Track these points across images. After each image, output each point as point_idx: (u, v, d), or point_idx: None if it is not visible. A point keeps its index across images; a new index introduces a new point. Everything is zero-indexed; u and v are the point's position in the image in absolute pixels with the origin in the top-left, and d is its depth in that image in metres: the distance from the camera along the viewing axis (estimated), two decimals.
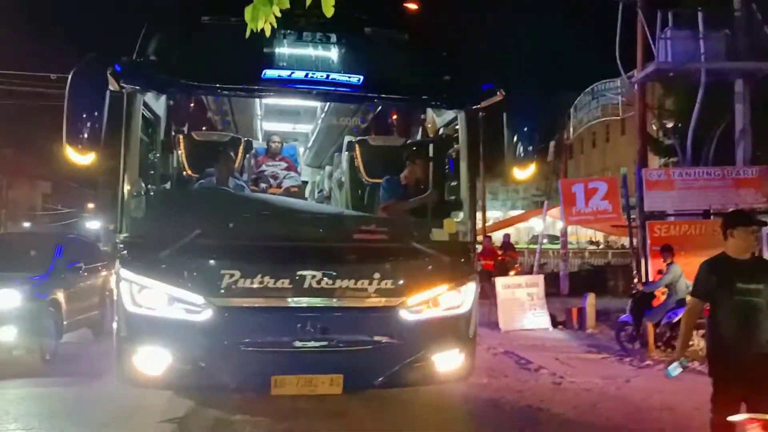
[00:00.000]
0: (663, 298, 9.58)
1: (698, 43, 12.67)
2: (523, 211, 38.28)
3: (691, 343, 9.00)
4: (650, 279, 10.74)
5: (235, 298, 4.60)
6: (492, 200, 46.04)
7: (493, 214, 42.64)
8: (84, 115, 4.39)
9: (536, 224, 30.00)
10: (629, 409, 6.27)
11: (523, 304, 11.73)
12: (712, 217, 11.35)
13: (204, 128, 7.55)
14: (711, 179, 11.51)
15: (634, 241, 12.11)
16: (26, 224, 51.13)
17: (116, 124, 4.83)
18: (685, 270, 8.84)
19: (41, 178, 51.44)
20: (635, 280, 11.07)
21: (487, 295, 11.71)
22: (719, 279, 4.00)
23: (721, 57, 12.63)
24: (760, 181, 11.29)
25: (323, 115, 8.52)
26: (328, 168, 8.97)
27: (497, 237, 20.38)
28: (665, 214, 12.01)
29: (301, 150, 10.05)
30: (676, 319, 9.09)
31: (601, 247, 30.40)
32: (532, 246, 22.73)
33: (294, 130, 9.79)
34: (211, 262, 4.65)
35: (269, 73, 4.77)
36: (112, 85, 4.57)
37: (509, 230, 36.03)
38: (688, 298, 4.38)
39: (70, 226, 39.69)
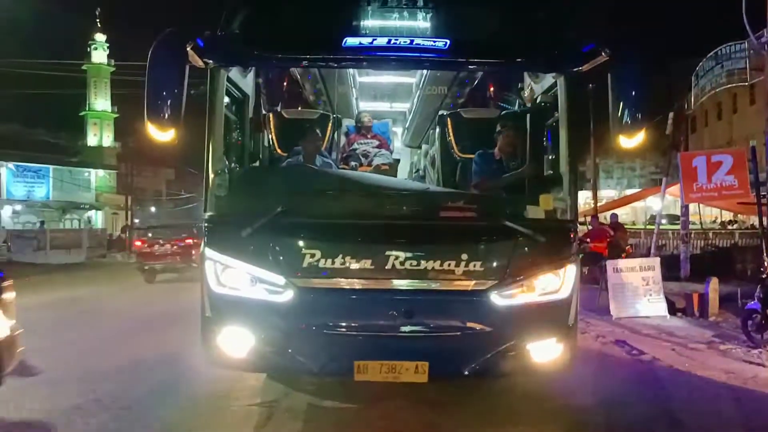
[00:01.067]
0: None
1: None
2: (639, 190, 36.09)
3: None
4: None
5: (316, 278, 4.43)
6: (606, 178, 43.98)
7: (607, 193, 40.73)
8: (164, 92, 4.32)
9: (654, 203, 28.19)
10: (754, 408, 5.58)
11: (638, 289, 10.87)
12: None
13: (299, 107, 7.50)
14: None
15: (765, 220, 10.91)
16: (152, 209, 55.00)
17: (199, 100, 4.79)
18: None
19: (165, 165, 55.05)
20: (765, 264, 9.99)
21: (597, 279, 10.97)
22: None
23: None
24: None
25: (418, 92, 8.26)
26: (424, 147, 8.71)
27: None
28: None
29: (399, 130, 9.86)
30: None
31: (734, 226, 28.08)
32: (649, 226, 21.30)
33: (391, 109, 9.61)
34: (293, 241, 4.49)
35: (350, 41, 4.51)
36: (195, 61, 4.50)
37: (625, 209, 34.33)
38: None
39: (190, 210, 42.02)
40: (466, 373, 4.51)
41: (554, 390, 5.60)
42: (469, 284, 4.44)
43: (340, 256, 4.39)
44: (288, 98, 7.42)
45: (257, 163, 6.11)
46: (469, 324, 4.46)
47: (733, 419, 5.30)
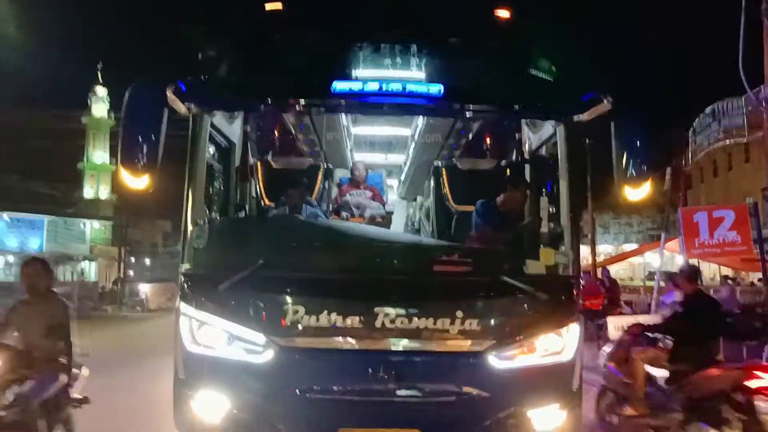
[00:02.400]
0: None
1: None
2: (636, 246, 35.89)
3: None
4: None
5: (299, 337, 4.09)
6: (603, 233, 43.83)
7: (604, 249, 40.50)
8: (140, 138, 4.09)
9: (652, 259, 27.95)
10: None
11: None
12: None
13: (289, 156, 7.29)
14: None
15: None
16: (147, 261, 54.56)
17: (176, 147, 4.56)
18: None
19: (161, 217, 54.92)
20: None
21: (592, 337, 10.56)
22: None
23: None
24: None
25: (413, 142, 8.09)
26: (419, 199, 8.49)
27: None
28: None
29: (395, 182, 9.67)
30: None
31: (732, 283, 27.68)
32: (648, 283, 20.98)
33: (386, 161, 9.44)
34: (275, 296, 4.17)
35: (340, 86, 4.32)
36: (176, 106, 4.28)
37: (622, 265, 34.05)
38: None
39: None
40: None
41: None
42: (465, 345, 4.10)
43: (326, 312, 4.06)
44: (278, 146, 7.22)
45: (241, 214, 5.84)
46: (464, 388, 4.10)
47: None
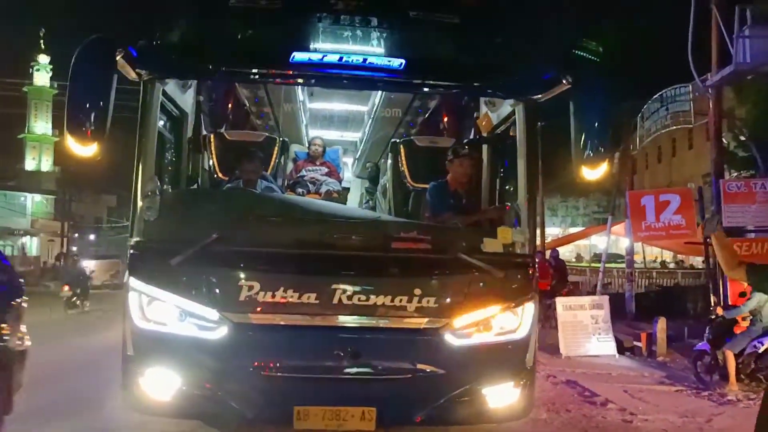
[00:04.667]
0: (745, 324, 8.52)
1: None
2: (583, 228, 36.72)
3: None
4: (729, 302, 9.70)
5: (253, 313, 3.99)
6: (551, 216, 44.68)
7: (552, 231, 41.29)
8: (87, 104, 3.88)
9: (598, 241, 28.65)
10: None
11: (587, 328, 10.73)
12: None
13: (243, 129, 7.10)
14: None
15: (710, 260, 11.01)
16: (91, 236, 52.94)
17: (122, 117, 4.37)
18: None
19: (106, 191, 53.30)
20: (713, 304, 10.02)
21: (541, 317, 10.79)
22: None
23: None
24: None
25: (370, 119, 7.99)
26: (376, 178, 8.42)
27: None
28: (744, 231, 10.89)
29: (350, 160, 9.57)
30: (762, 349, 8.06)
31: (671, 266, 28.73)
32: (594, 265, 21.53)
33: (342, 138, 9.33)
34: (229, 271, 4.06)
35: (299, 56, 4.18)
36: (126, 72, 4.08)
37: (569, 247, 34.81)
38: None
39: None
40: (418, 420, 4.12)
41: None
42: (422, 322, 4.08)
43: (281, 288, 3.97)
44: (232, 119, 7.02)
45: (194, 187, 5.66)
46: (420, 366, 4.08)
47: None
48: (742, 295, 8.73)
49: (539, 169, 5.16)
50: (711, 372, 8.50)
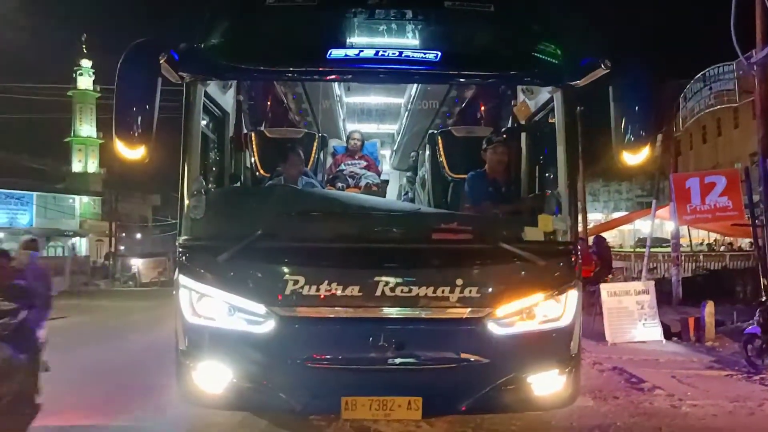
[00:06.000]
0: None
1: None
2: (626, 213, 36.04)
3: None
4: None
5: (299, 307, 4.08)
6: (593, 201, 44.02)
7: (594, 216, 40.69)
8: (134, 108, 4.01)
9: (642, 226, 28.08)
10: None
11: (632, 314, 10.57)
12: None
13: (283, 126, 7.22)
14: None
15: (760, 242, 10.72)
16: (138, 235, 54.31)
17: (172, 116, 4.50)
18: None
19: (151, 191, 54.53)
20: (763, 287, 9.76)
21: (585, 304, 10.64)
22: None
23: None
24: None
25: (407, 111, 8.03)
26: (415, 170, 8.46)
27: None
28: None
29: (388, 153, 9.62)
30: None
31: (721, 249, 28.00)
32: (639, 250, 21.11)
33: (379, 130, 9.40)
34: (274, 266, 4.15)
35: (335, 52, 4.25)
36: (169, 74, 4.20)
37: (613, 233, 34.22)
38: None
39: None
40: (463, 408, 4.17)
41: (555, 423, 5.27)
42: (465, 312, 4.11)
43: (326, 282, 4.06)
44: (271, 117, 7.14)
45: (237, 185, 5.79)
46: (464, 355, 4.12)
47: None
48: None
49: (579, 155, 5.10)
50: (762, 356, 8.31)
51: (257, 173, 6.15)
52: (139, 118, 3.99)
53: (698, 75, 20.17)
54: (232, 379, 4.14)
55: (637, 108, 4.15)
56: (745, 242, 21.58)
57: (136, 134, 3.97)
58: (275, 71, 4.68)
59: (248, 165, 6.24)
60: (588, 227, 22.35)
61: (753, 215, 10.70)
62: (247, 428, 5.18)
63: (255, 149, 6.20)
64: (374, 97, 8.78)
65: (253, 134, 6.28)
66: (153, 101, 4.03)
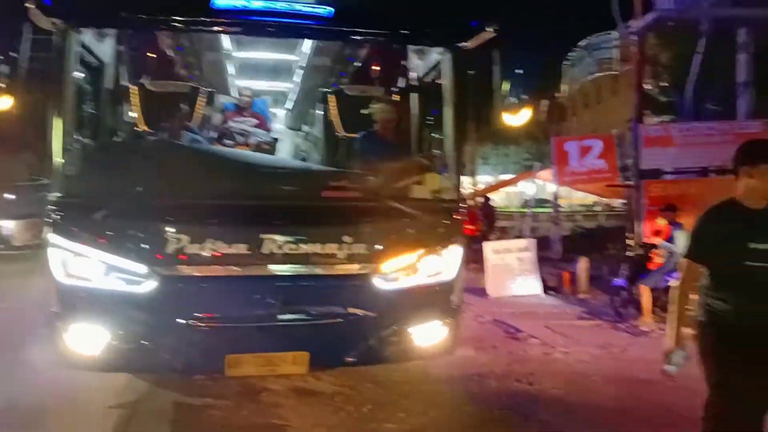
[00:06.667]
0: (658, 261, 9.08)
1: None
2: (513, 175, 37.62)
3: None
4: (644, 240, 10.27)
5: (182, 265, 4.00)
6: (483, 164, 45.49)
7: (484, 178, 42.12)
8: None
9: (527, 188, 29.44)
10: (626, 382, 5.76)
11: (513, 270, 11.19)
12: (711, 175, 10.87)
13: (167, 80, 6.89)
14: (711, 134, 10.95)
15: (630, 201, 11.61)
16: (11, 196, 50.40)
17: (44, 66, 4.20)
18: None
19: (24, 149, 50.53)
20: (630, 243, 10.61)
21: (470, 261, 11.12)
22: (726, 235, 2.96)
23: (726, 3, 11.98)
24: (764, 136, 10.71)
25: (300, 69, 7.89)
26: (306, 128, 8.38)
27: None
28: (661, 173, 11.48)
29: (282, 112, 9.44)
30: (671, 282, 8.64)
31: (597, 208, 29.92)
32: (523, 210, 22.21)
33: (271, 88, 9.17)
34: (156, 224, 4.02)
35: (220, 2, 4.10)
36: (39, 21, 3.90)
37: (500, 194, 35.64)
38: (683, 262, 3.16)
39: None
40: (348, 360, 4.29)
41: (438, 372, 5.54)
42: (352, 268, 4.20)
43: (211, 240, 3.99)
44: (155, 69, 6.79)
45: (115, 139, 5.52)
46: (351, 310, 4.22)
47: (607, 392, 5.45)
48: (658, 233, 9.27)
49: (467, 116, 5.25)
50: (627, 306, 9.06)
51: (138, 128, 5.87)
52: (5, 67, 3.70)
53: (581, 43, 21.26)
54: (111, 340, 4.01)
55: (516, 72, 4.34)
56: (617, 203, 23.17)
57: (3, 84, 3.68)
58: (155, 20, 4.45)
59: (129, 120, 5.95)
60: (477, 188, 23.18)
61: (626, 177, 11.56)
62: (130, 390, 5.04)
63: (136, 103, 5.90)
64: (266, 53, 8.53)
65: (134, 87, 5.96)
66: (21, 49, 3.75)
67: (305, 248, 4.08)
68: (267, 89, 8.90)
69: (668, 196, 10.39)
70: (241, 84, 8.11)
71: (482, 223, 14.97)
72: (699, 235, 3.09)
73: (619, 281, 9.33)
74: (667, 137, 11.12)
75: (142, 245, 3.99)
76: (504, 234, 18.23)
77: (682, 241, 8.54)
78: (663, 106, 18.00)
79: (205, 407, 4.79)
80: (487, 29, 4.40)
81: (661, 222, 9.05)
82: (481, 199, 17.10)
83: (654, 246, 9.06)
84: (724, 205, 3.07)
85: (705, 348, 3.05)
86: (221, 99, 7.25)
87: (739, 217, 2.99)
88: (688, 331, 3.07)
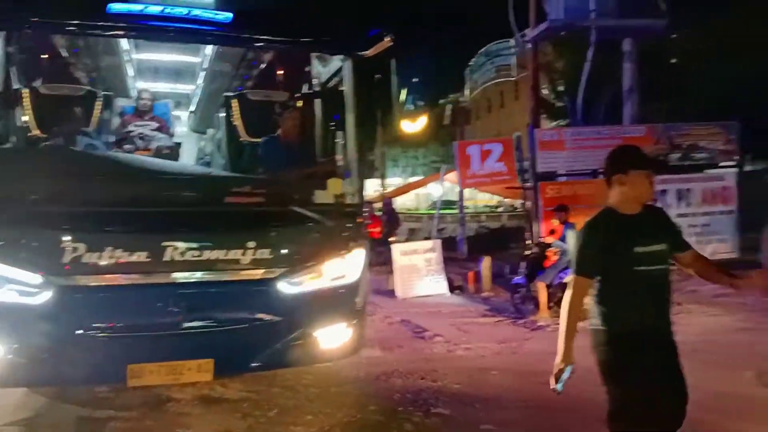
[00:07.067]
0: (555, 259, 9.61)
1: (588, 1, 12.78)
2: (422, 177, 38.42)
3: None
4: (542, 239, 10.81)
5: (80, 275, 3.91)
6: (393, 167, 46.12)
7: (394, 181, 42.73)
8: None
9: (434, 190, 30.15)
10: (522, 374, 6.07)
11: (420, 270, 11.50)
12: (600, 176, 11.62)
13: (62, 83, 6.63)
14: (600, 138, 11.73)
15: (528, 202, 12.20)
16: None
17: None
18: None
19: None
20: (528, 242, 11.12)
21: (372, 263, 11.36)
22: (611, 244, 3.00)
23: (612, 14, 12.83)
24: (648, 140, 11.56)
25: (203, 72, 7.79)
26: (210, 132, 8.27)
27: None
28: (556, 175, 12.14)
29: (185, 114, 9.26)
30: (567, 279, 9.16)
31: (500, 209, 31.05)
32: (430, 212, 22.73)
33: (173, 90, 8.97)
34: (52, 233, 3.91)
35: (116, 7, 4.03)
36: None
37: (409, 196, 36.29)
38: (571, 277, 3.15)
39: None
40: (255, 366, 4.32)
41: (345, 373, 5.66)
42: (257, 273, 4.24)
43: (110, 248, 3.92)
44: (49, 71, 6.52)
45: (6, 145, 5.27)
46: (256, 315, 4.26)
47: (505, 385, 5.75)
48: (554, 232, 9.81)
49: (370, 122, 5.40)
50: (526, 303, 9.53)
51: (31, 133, 5.63)
52: None
53: (482, 50, 22.10)
54: (6, 354, 3.86)
55: (415, 79, 4.52)
56: (519, 203, 24.19)
57: None
58: (47, 23, 4.32)
59: (21, 124, 5.69)
60: (387, 191, 23.53)
61: (524, 179, 12.14)
62: (26, 407, 4.84)
63: (29, 107, 5.65)
64: (167, 55, 8.36)
65: (26, 90, 5.71)
66: None
67: (208, 255, 4.09)
68: (169, 92, 8.72)
69: (562, 197, 11.03)
70: (141, 86, 7.91)
71: (385, 226, 15.17)
72: (585, 249, 3.08)
73: (518, 279, 9.79)
74: (560, 141, 11.80)
75: (37, 254, 3.88)
76: (412, 235, 18.62)
77: (572, 240, 9.10)
78: (559, 111, 19.01)
79: (108, 419, 4.66)
80: (385, 38, 4.55)
81: (555, 222, 9.60)
82: (381, 204, 17.28)
83: (549, 245, 9.60)
84: (602, 215, 3.11)
85: (606, 358, 3.03)
86: (120, 102, 7.04)
87: (620, 225, 3.04)
88: (580, 325, 3.07)
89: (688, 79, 17.53)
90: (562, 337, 3.04)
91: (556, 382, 3.03)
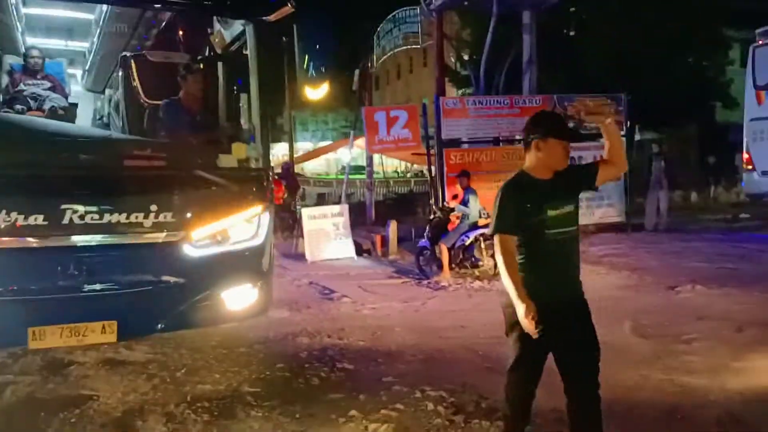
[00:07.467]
0: (457, 222, 10.04)
1: None
2: (331, 142, 38.37)
3: (480, 263, 9.65)
4: (447, 204, 11.23)
5: None
6: (302, 131, 45.68)
7: (304, 145, 42.41)
8: None
9: (344, 155, 30.26)
10: (423, 330, 6.42)
11: (329, 234, 11.71)
12: (501, 144, 12.14)
13: None
14: (500, 107, 12.19)
15: (433, 168, 12.55)
16: None
17: None
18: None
19: None
20: (433, 207, 11.52)
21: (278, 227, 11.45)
22: (526, 207, 3.08)
23: None
24: (545, 108, 12.13)
25: (98, 29, 7.48)
26: (108, 92, 7.99)
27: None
28: (460, 142, 12.53)
29: (79, 72, 8.86)
30: (468, 241, 9.63)
31: (409, 175, 31.58)
32: (340, 176, 22.84)
33: (67, 48, 8.56)
34: None
35: None
36: None
37: (319, 161, 36.21)
38: (496, 238, 3.14)
39: None
40: (159, 327, 4.38)
41: (253, 334, 5.79)
42: (160, 236, 4.26)
43: (4, 212, 3.83)
44: None
45: None
46: (160, 277, 4.30)
47: (407, 341, 6.04)
48: (456, 197, 10.24)
49: (274, 88, 5.45)
50: (430, 264, 9.94)
51: None
52: None
53: (389, 16, 22.18)
54: None
55: (317, 46, 4.62)
56: (425, 169, 24.72)
57: None
58: None
59: None
60: (296, 155, 23.38)
61: (428, 146, 12.47)
62: None
63: None
64: (60, 11, 7.95)
65: None
66: None
67: (108, 218, 4.07)
68: (64, 48, 8.33)
69: (465, 163, 11.46)
70: (33, 42, 7.51)
71: (285, 191, 15.08)
72: (502, 209, 3.12)
73: (423, 242, 10.17)
74: (464, 109, 12.17)
75: None
76: (322, 200, 18.72)
77: (473, 204, 9.55)
78: (465, 80, 19.46)
79: (7, 384, 4.59)
80: (288, 3, 4.60)
81: (458, 187, 10.00)
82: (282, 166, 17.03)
83: (452, 209, 10.02)
84: (516, 178, 3.18)
85: (514, 320, 3.08)
86: (9, 60, 6.68)
87: (533, 189, 3.11)
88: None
89: (584, 51, 18.42)
90: (514, 292, 3.03)
91: (535, 328, 2.98)
